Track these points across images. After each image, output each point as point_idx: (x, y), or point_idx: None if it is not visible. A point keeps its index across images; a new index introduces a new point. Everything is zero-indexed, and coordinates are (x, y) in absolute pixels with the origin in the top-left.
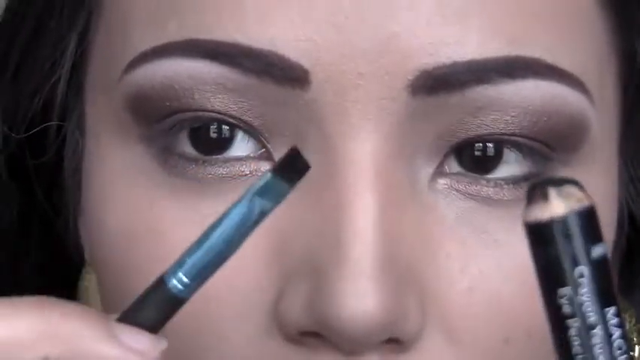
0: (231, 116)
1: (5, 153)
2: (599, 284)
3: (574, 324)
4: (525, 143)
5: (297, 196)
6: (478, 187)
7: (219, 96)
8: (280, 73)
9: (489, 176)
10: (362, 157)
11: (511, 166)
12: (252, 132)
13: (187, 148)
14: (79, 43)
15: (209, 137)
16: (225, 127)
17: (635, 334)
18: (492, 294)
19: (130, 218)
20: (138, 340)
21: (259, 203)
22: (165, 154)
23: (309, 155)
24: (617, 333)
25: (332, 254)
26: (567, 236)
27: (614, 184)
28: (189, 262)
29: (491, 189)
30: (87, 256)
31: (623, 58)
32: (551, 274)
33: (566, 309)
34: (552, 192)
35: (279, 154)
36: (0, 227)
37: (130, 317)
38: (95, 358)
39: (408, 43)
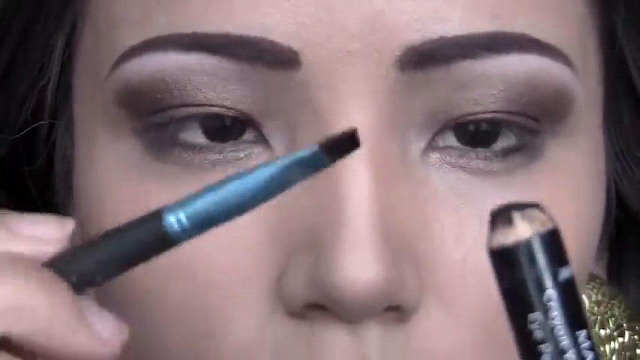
0: (224, 107)
1: None
2: (568, 307)
3: (546, 349)
4: (513, 119)
5: None
6: (468, 159)
7: (212, 86)
8: (272, 57)
9: (479, 149)
10: None
11: (501, 140)
12: (246, 121)
13: (181, 137)
14: (66, 44)
15: (204, 127)
16: (219, 122)
17: (625, 320)
18: (485, 263)
19: (126, 210)
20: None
21: (292, 172)
22: (159, 145)
23: (302, 135)
24: (589, 356)
25: (330, 227)
26: (534, 260)
27: (600, 156)
28: (195, 205)
29: (481, 161)
30: None
31: (603, 33)
32: (519, 300)
33: (538, 334)
34: (516, 216)
35: (273, 137)
36: None
37: (112, 240)
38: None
39: (394, 19)
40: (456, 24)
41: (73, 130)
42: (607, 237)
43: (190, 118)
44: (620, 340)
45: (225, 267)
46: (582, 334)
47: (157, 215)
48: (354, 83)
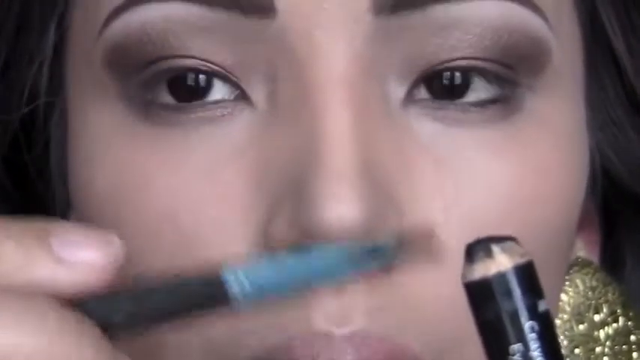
0: (205, 60)
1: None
2: (548, 339)
3: None
4: (490, 68)
5: (275, 127)
6: (445, 111)
7: (193, 36)
8: (247, 4)
9: (456, 101)
10: (333, 77)
11: (477, 92)
12: (226, 75)
13: (167, 99)
14: (58, 26)
15: (186, 86)
16: (202, 77)
17: (619, 306)
18: (468, 212)
19: (118, 174)
20: (80, 248)
21: (359, 263)
22: (146, 108)
23: (281, 84)
24: None
25: (310, 166)
26: (514, 291)
27: (581, 122)
28: (257, 271)
29: (459, 113)
30: None
31: (585, 17)
32: (501, 331)
33: None
34: (495, 248)
35: (253, 91)
36: None
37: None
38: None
39: None
40: None
41: (66, 116)
42: (597, 216)
43: (174, 80)
44: (615, 325)
45: (211, 219)
46: None
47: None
48: (331, 29)
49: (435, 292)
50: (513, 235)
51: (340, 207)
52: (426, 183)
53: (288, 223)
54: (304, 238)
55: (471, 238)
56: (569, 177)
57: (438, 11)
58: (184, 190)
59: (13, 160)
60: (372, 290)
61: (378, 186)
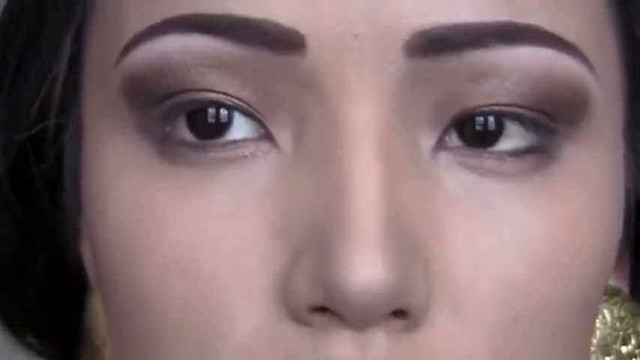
0: (228, 95)
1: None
2: None
3: None
4: (526, 114)
5: (300, 172)
6: (480, 159)
7: (216, 71)
8: (275, 40)
9: (491, 149)
10: (363, 124)
11: (513, 139)
12: (250, 112)
13: (185, 135)
14: (75, 39)
15: (207, 122)
16: (223, 112)
17: None
18: (499, 269)
19: (131, 209)
20: None
21: None
22: (164, 142)
23: (309, 126)
24: None
25: (335, 224)
26: None
27: (619, 167)
28: None
29: (494, 162)
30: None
31: (626, 42)
32: None
33: None
34: None
35: (278, 131)
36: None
37: None
38: None
39: (403, 3)
40: (467, 11)
41: (81, 131)
42: (629, 249)
43: (194, 114)
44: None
45: (229, 260)
46: None
47: None
48: (361, 68)
49: (458, 350)
50: (544, 297)
51: (365, 269)
52: (455, 238)
53: (308, 282)
54: (327, 298)
55: (499, 298)
56: (604, 229)
57: (474, 56)
58: (201, 232)
59: (17, 170)
60: (393, 342)
61: (405, 243)
